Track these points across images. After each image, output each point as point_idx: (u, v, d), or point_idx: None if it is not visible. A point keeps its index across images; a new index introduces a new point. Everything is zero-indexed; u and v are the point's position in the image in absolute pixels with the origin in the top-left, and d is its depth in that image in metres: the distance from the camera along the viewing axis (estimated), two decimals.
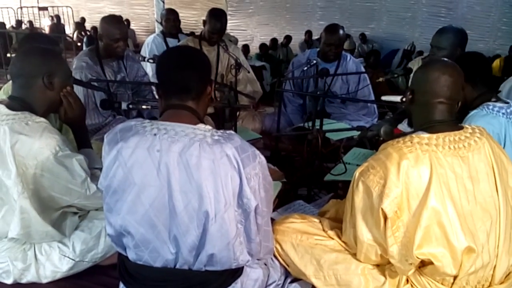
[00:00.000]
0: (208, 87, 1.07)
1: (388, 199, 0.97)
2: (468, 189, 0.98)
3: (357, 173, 1.06)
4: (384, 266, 1.11)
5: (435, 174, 0.96)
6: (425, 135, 1.01)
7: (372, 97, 2.58)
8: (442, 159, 0.98)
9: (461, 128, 1.05)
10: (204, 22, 2.51)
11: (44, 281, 1.28)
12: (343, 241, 1.17)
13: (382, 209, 0.97)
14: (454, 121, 1.07)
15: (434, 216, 0.96)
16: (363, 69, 2.63)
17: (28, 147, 1.14)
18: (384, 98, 1.57)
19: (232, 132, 1.00)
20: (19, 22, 8.32)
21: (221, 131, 0.99)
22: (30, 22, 8.56)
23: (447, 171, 0.97)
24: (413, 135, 1.03)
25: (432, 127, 1.03)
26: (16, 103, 1.21)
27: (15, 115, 1.17)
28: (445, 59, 1.14)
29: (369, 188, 1.01)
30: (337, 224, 1.23)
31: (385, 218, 0.99)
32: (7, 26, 7.75)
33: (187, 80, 1.03)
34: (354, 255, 1.14)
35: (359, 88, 2.50)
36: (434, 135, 1.01)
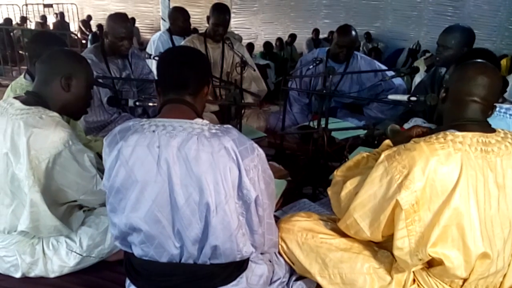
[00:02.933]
0: (206, 88, 1.09)
1: (407, 191, 0.95)
2: (492, 194, 0.96)
3: (383, 155, 1.03)
4: (390, 265, 1.10)
5: (465, 175, 0.94)
6: (459, 133, 0.99)
7: (403, 85, 2.53)
8: (473, 160, 0.95)
9: (494, 131, 1.02)
10: (208, 18, 2.50)
11: (52, 275, 1.29)
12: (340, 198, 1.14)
13: (397, 199, 0.95)
14: (486, 122, 1.05)
15: (455, 217, 0.94)
16: (376, 65, 2.58)
17: (43, 139, 1.15)
18: (391, 97, 1.57)
19: (230, 126, 1.01)
20: (24, 19, 8.36)
21: (218, 125, 1.00)
22: (44, 17, 8.62)
23: (477, 173, 0.95)
24: (447, 132, 1.00)
25: (463, 126, 1.00)
26: (31, 98, 1.24)
27: (29, 109, 1.19)
28: (485, 61, 1.09)
29: (388, 174, 0.99)
30: None
31: (394, 208, 0.98)
32: (13, 23, 7.80)
33: (184, 77, 1.04)
34: (359, 254, 1.14)
35: (376, 83, 2.44)
36: (470, 134, 0.98)
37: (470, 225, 0.94)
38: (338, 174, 1.21)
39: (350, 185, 1.10)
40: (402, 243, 0.98)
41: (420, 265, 1.03)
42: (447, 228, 0.95)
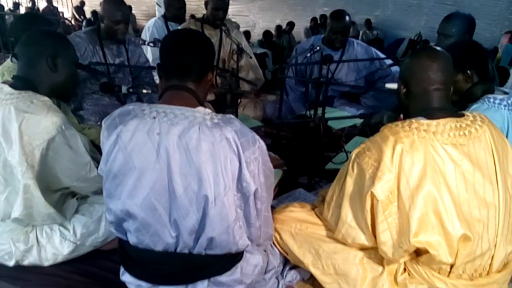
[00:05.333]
0: (210, 73, 1.06)
1: (380, 182, 0.96)
2: (467, 177, 0.97)
3: (353, 154, 1.05)
4: (382, 256, 1.10)
5: (430, 162, 0.95)
6: (424, 121, 1.00)
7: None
8: (439, 147, 0.97)
9: (462, 115, 1.04)
10: (206, 4, 2.44)
11: (46, 263, 1.29)
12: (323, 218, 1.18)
13: (372, 192, 0.97)
14: (454, 108, 1.06)
15: (430, 204, 0.95)
16: (373, 51, 2.55)
17: (35, 125, 1.14)
18: (388, 85, 1.55)
19: (232, 116, 0.99)
20: (16, 5, 8.18)
21: (221, 114, 0.98)
22: (33, 2, 8.39)
23: (444, 159, 0.96)
24: (413, 120, 1.02)
25: (431, 114, 1.02)
26: (19, 83, 1.21)
27: (19, 94, 1.17)
28: (431, 46, 1.13)
29: (363, 170, 1.01)
30: None
31: (372, 202, 0.99)
32: (5, 9, 7.64)
33: (188, 61, 1.01)
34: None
35: (373, 71, 2.40)
36: (434, 121, 0.99)
37: (446, 210, 0.95)
38: (316, 202, 1.29)
39: (329, 198, 1.13)
40: (385, 237, 0.99)
41: (407, 256, 1.04)
42: (425, 216, 0.95)
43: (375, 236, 1.03)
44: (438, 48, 1.09)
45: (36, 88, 1.22)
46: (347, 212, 1.06)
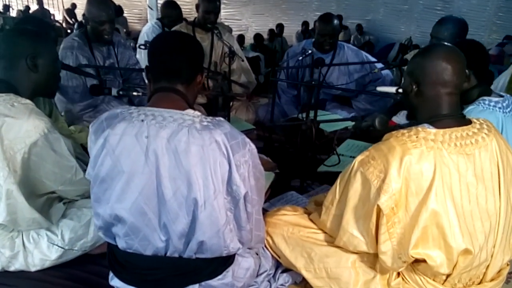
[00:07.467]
0: (199, 76, 1.05)
1: (386, 195, 0.93)
2: (470, 189, 0.95)
3: (356, 162, 1.02)
4: (375, 259, 1.09)
5: (438, 173, 0.92)
6: (432, 130, 0.96)
7: (390, 75, 2.52)
8: (447, 157, 0.93)
9: (469, 122, 1.01)
10: (197, 7, 2.44)
11: (33, 269, 1.26)
12: (319, 225, 1.16)
13: (378, 205, 0.94)
14: (462, 114, 1.03)
15: (434, 218, 0.93)
16: (363, 55, 2.57)
17: (16, 129, 1.10)
18: (379, 89, 1.56)
19: (222, 118, 0.98)
20: (6, 7, 8.08)
21: (210, 117, 0.97)
22: (27, 7, 8.29)
23: (451, 169, 0.93)
24: (419, 128, 0.98)
25: (439, 121, 0.98)
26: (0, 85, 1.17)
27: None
28: (446, 43, 1.10)
29: (367, 181, 0.98)
30: None
31: (378, 213, 0.97)
32: None
33: (178, 63, 1.00)
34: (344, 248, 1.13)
35: (363, 75, 2.43)
36: (441, 131, 0.96)
37: (449, 223, 0.93)
38: (308, 206, 1.29)
39: (328, 203, 1.10)
40: (386, 247, 0.98)
41: (404, 266, 1.03)
42: (426, 229, 0.94)
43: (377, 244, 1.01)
44: (453, 47, 1.04)
45: (17, 90, 1.18)
46: (348, 221, 1.03)
